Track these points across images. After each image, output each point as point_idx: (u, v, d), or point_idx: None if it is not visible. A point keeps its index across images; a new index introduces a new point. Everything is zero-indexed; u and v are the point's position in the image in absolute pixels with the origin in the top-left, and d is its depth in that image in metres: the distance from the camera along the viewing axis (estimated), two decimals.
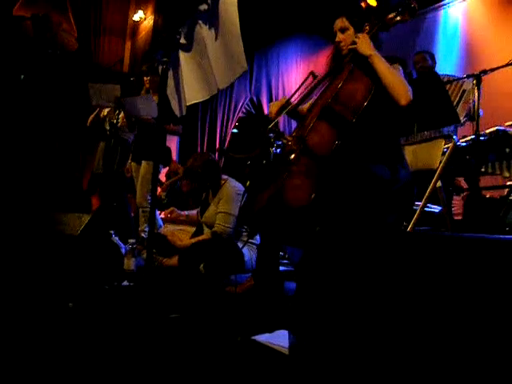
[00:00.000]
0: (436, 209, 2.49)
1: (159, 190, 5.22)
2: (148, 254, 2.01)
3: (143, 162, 3.88)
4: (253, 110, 6.92)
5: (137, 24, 7.58)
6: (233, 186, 3.15)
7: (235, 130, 6.83)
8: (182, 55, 1.98)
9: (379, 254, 1.27)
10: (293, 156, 1.86)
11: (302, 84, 2.17)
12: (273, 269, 2.19)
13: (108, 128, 4.28)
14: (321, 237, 1.34)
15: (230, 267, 2.79)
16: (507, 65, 2.74)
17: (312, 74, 2.15)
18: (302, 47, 7.02)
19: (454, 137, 2.37)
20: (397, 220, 1.95)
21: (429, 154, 2.44)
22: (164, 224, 3.59)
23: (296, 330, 1.36)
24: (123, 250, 2.89)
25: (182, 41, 1.94)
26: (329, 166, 1.83)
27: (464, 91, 3.21)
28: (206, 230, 3.18)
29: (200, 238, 3.09)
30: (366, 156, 1.92)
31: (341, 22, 2.11)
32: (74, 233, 2.95)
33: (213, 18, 1.84)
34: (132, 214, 4.87)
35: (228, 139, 6.66)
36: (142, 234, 3.81)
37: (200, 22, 1.89)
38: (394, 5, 2.13)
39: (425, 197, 2.13)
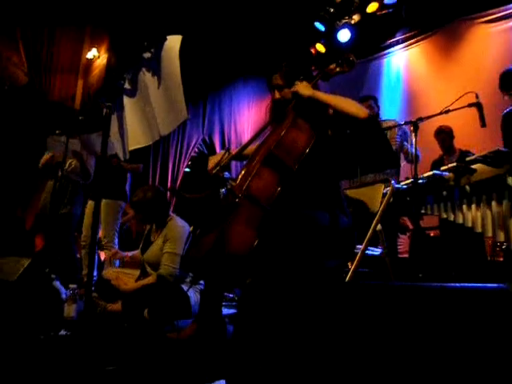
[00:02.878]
0: (377, 251, 2.56)
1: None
2: (87, 300, 1.92)
3: (103, 200, 3.81)
4: (205, 150, 6.96)
5: (90, 62, 7.55)
6: (180, 226, 3.10)
7: (187, 169, 6.82)
8: (127, 100, 1.99)
9: (309, 302, 1.28)
10: (236, 202, 1.87)
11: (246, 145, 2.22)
12: (215, 314, 2.16)
13: (60, 173, 4.19)
14: (253, 288, 1.33)
15: (175, 312, 2.72)
16: (441, 113, 2.92)
17: (227, 149, 2.21)
18: (254, 89, 7.21)
19: (393, 181, 2.47)
20: (339, 264, 1.98)
21: (369, 198, 2.53)
22: (107, 267, 3.48)
23: (232, 381, 1.34)
24: (64, 296, 2.76)
25: (126, 86, 1.96)
26: (271, 212, 1.85)
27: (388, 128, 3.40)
28: (149, 270, 3.10)
29: (145, 281, 2.99)
30: (306, 203, 1.96)
31: (275, 80, 2.20)
32: (9, 278, 2.79)
33: (156, 66, 1.88)
34: (78, 256, 4.70)
35: (180, 178, 6.63)
36: (86, 278, 3.66)
37: (143, 69, 1.92)
38: (334, 57, 2.25)
39: (365, 240, 2.19)
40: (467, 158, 2.51)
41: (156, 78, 1.89)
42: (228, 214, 1.85)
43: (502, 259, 4.48)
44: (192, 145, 6.79)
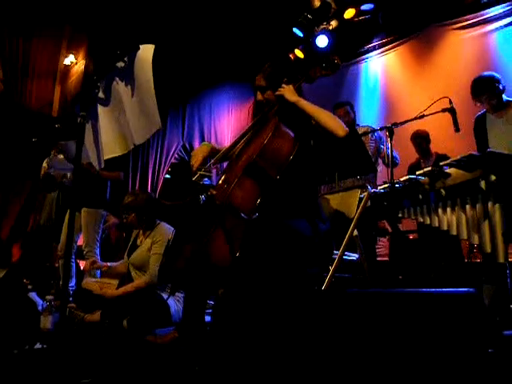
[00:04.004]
0: (354, 257, 2.59)
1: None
2: (62, 311, 1.88)
3: (83, 209, 3.76)
4: (186, 156, 6.93)
5: (67, 68, 7.46)
6: (168, 229, 3.15)
7: (168, 176, 6.78)
8: (101, 109, 1.98)
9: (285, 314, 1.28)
10: (217, 211, 1.85)
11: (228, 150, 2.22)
12: (198, 322, 2.14)
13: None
14: (226, 298, 1.33)
15: (155, 321, 2.70)
16: (415, 118, 2.97)
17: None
18: (234, 95, 7.22)
19: (369, 187, 2.50)
20: (319, 271, 1.99)
21: (346, 204, 2.55)
22: (87, 276, 3.43)
23: None
24: (40, 308, 2.71)
25: (101, 95, 1.95)
26: (252, 222, 1.84)
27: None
28: (134, 274, 3.09)
29: (135, 284, 2.95)
30: (287, 212, 1.96)
31: (258, 81, 2.18)
32: None
33: (129, 75, 1.87)
34: (56, 265, 4.64)
35: (160, 185, 6.58)
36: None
37: (117, 78, 1.91)
38: (319, 59, 2.25)
39: (342, 246, 2.21)
40: (442, 163, 2.55)
41: (129, 87, 1.88)
42: (209, 224, 1.84)
43: (479, 261, 4.57)
44: (172, 151, 6.75)
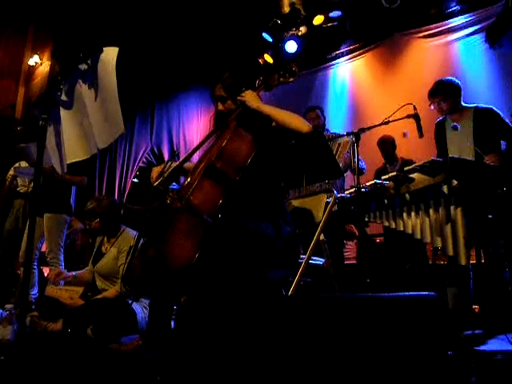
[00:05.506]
0: (320, 261, 2.61)
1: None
2: (21, 321, 1.81)
3: (46, 214, 3.64)
4: (154, 160, 6.84)
5: (32, 69, 7.25)
6: (134, 236, 3.05)
7: (136, 180, 6.66)
8: (63, 112, 1.92)
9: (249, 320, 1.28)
10: (176, 214, 1.85)
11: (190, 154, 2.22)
12: (164, 328, 2.11)
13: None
14: (188, 305, 1.32)
15: (120, 329, 2.64)
16: (381, 124, 3.03)
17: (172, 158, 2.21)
18: (203, 98, 7.18)
19: (335, 191, 2.52)
20: (282, 275, 1.99)
21: (313, 208, 2.57)
22: (50, 284, 3.32)
23: None
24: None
25: (63, 97, 1.89)
26: (213, 224, 1.84)
27: (339, 145, 3.50)
28: (100, 282, 3.02)
29: (107, 293, 2.87)
30: (249, 213, 1.96)
31: (218, 91, 2.21)
32: None
33: (92, 78, 1.83)
34: (18, 272, 4.49)
35: (127, 189, 6.46)
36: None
37: (80, 81, 1.86)
38: (276, 67, 2.28)
39: (309, 250, 2.22)
40: (406, 168, 2.60)
41: (92, 90, 1.83)
42: (168, 226, 1.82)
43: (443, 263, 4.69)
44: (140, 155, 6.64)
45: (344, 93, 6.47)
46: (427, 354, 1.12)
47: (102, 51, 1.80)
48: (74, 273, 3.18)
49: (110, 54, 1.80)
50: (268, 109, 2.09)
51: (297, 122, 2.02)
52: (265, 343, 1.41)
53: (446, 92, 3.34)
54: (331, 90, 6.60)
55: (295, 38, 6.47)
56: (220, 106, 2.21)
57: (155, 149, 6.83)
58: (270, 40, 6.63)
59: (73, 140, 1.92)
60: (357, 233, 4.71)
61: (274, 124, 2.09)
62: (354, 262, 5.28)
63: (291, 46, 6.44)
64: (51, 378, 1.85)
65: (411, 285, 4.34)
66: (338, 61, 6.59)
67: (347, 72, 6.51)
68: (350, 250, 5.37)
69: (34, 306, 3.42)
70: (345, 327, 1.24)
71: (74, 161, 1.96)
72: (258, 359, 1.39)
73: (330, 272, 2.51)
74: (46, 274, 4.48)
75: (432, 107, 3.41)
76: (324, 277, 2.56)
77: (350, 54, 6.48)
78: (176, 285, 1.74)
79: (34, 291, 3.66)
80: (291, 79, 2.25)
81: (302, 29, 6.50)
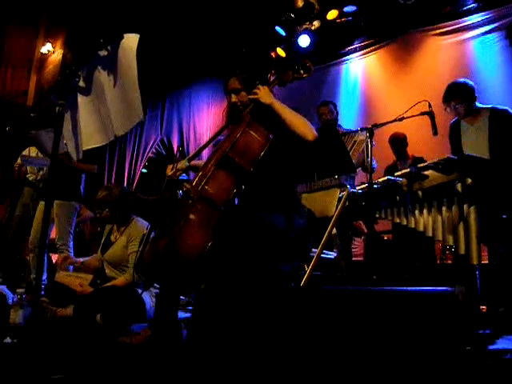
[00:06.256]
0: (331, 255, 2.60)
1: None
2: (34, 305, 1.83)
3: (56, 201, 3.65)
4: (163, 151, 6.84)
5: (44, 57, 7.28)
6: (144, 225, 3.09)
7: (144, 170, 6.68)
8: (80, 99, 1.92)
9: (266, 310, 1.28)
10: (190, 203, 1.86)
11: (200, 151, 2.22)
12: (171, 318, 2.12)
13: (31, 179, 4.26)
14: (206, 293, 1.32)
15: (130, 316, 2.65)
16: (395, 120, 3.01)
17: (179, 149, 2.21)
18: (214, 91, 7.17)
19: (348, 186, 2.51)
20: (294, 268, 1.99)
21: (324, 202, 2.56)
22: (59, 270, 3.34)
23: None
24: (10, 301, 2.63)
25: (81, 84, 1.89)
26: (225, 214, 1.84)
27: (355, 142, 3.48)
28: (109, 270, 3.03)
29: (117, 281, 2.88)
30: (262, 205, 1.97)
31: (232, 84, 2.21)
32: None
33: (112, 65, 1.82)
34: (27, 258, 4.53)
35: (136, 179, 6.48)
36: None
37: (99, 67, 1.86)
38: (291, 63, 2.27)
39: (321, 244, 2.22)
40: (419, 165, 2.59)
41: (112, 77, 1.83)
42: (182, 215, 1.83)
43: (450, 262, 4.67)
44: (150, 145, 6.65)
45: (356, 89, 6.43)
46: (445, 348, 1.12)
47: (122, 37, 1.80)
48: (81, 259, 3.20)
49: (131, 41, 1.80)
50: (279, 107, 2.07)
51: (303, 129, 2.01)
52: (276, 335, 1.41)
53: (461, 95, 3.31)
54: (343, 85, 6.56)
55: (308, 32, 6.43)
56: (233, 98, 2.20)
57: (165, 140, 6.84)
58: (283, 34, 6.59)
59: (90, 126, 1.93)
60: (365, 229, 4.70)
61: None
62: (361, 258, 5.26)
63: (304, 41, 6.40)
64: (61, 362, 1.86)
65: (418, 283, 4.32)
66: (350, 56, 6.55)
67: (360, 68, 6.47)
68: (357, 246, 5.36)
69: (43, 292, 3.45)
70: (361, 321, 1.24)
71: (90, 147, 1.97)
72: (268, 351, 1.39)
73: (340, 266, 2.51)
74: (54, 261, 4.51)
75: (447, 110, 3.38)
76: (334, 271, 2.56)
77: (363, 49, 6.43)
78: (187, 273, 1.74)
79: (43, 277, 3.68)
80: (305, 75, 2.25)
81: (316, 23, 6.46)
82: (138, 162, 6.54)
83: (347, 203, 2.57)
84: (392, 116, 3.12)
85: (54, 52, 7.19)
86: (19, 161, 4.28)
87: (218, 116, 7.36)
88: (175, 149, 6.77)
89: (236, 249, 1.77)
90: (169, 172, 2.17)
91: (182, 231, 1.78)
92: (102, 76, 1.86)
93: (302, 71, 2.21)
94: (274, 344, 1.41)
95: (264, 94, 2.10)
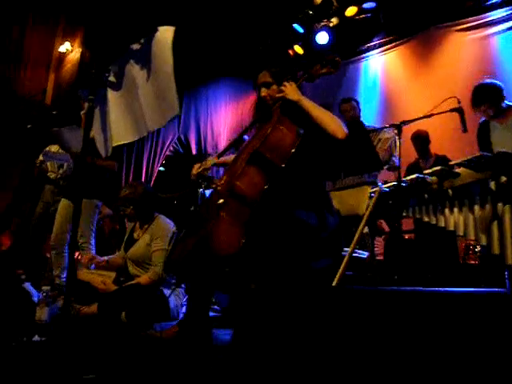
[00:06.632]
0: (364, 254, 2.54)
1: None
2: (65, 303, 1.81)
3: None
4: (180, 149, 6.82)
5: (62, 56, 7.31)
6: (167, 222, 3.08)
7: (162, 168, 6.67)
8: (110, 94, 1.89)
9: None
10: (221, 201, 1.82)
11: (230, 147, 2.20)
12: (202, 317, 2.09)
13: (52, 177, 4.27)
14: (258, 294, 1.28)
15: (154, 315, 2.63)
16: (424, 117, 2.94)
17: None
18: (231, 89, 7.14)
19: (379, 184, 2.46)
20: (327, 266, 1.94)
21: (354, 200, 2.51)
22: (81, 268, 3.32)
23: None
24: (35, 299, 2.62)
25: (111, 79, 1.87)
26: (258, 211, 1.80)
27: (379, 140, 3.41)
28: (132, 268, 3.02)
29: (141, 279, 2.86)
30: (293, 202, 1.92)
31: (263, 77, 2.17)
32: None
33: (145, 59, 1.79)
34: (47, 255, 4.55)
35: (154, 178, 6.48)
36: (57, 280, 3.52)
37: (132, 61, 1.82)
38: (319, 58, 2.23)
39: (353, 242, 2.16)
40: (451, 162, 2.52)
41: (145, 71, 1.79)
42: (213, 213, 1.79)
43: (473, 262, 4.57)
44: (167, 144, 6.64)
45: (375, 86, 6.35)
46: (499, 350, 1.06)
47: (156, 30, 1.76)
48: (106, 257, 3.18)
49: (167, 33, 1.77)
50: (307, 104, 2.03)
51: (333, 126, 1.96)
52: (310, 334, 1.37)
53: (490, 99, 3.25)
54: (362, 82, 6.49)
55: (327, 29, 6.36)
56: (263, 92, 2.17)
57: (182, 138, 6.82)
58: (301, 31, 6.54)
59: (120, 122, 1.89)
60: (386, 228, 4.62)
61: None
62: (381, 258, 5.19)
63: (322, 38, 6.34)
64: (91, 362, 1.83)
65: (441, 283, 4.23)
66: (369, 53, 6.47)
67: (379, 65, 6.38)
68: (378, 245, 5.28)
69: (64, 289, 3.44)
70: (412, 322, 1.19)
71: (120, 143, 1.94)
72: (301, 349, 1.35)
73: (373, 265, 2.45)
74: (79, 258, 4.51)
75: (476, 113, 3.31)
76: (365, 270, 2.50)
77: (382, 46, 6.35)
78: (219, 271, 1.71)
79: (64, 275, 3.67)
80: (333, 70, 2.21)
81: (334, 20, 6.39)
82: (156, 160, 6.53)
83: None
84: (412, 113, 3.05)
85: (72, 51, 7.22)
86: (41, 157, 4.30)
87: (234, 115, 7.34)
88: (193, 146, 6.76)
89: (268, 246, 1.73)
90: (195, 170, 2.14)
91: (215, 228, 1.74)
92: (134, 70, 1.83)
93: (330, 66, 2.16)
94: (308, 343, 1.37)
95: (291, 91, 2.06)
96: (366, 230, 2.39)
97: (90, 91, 1.73)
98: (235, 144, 2.18)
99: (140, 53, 1.80)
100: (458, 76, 5.34)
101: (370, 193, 2.55)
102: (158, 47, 1.77)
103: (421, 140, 4.57)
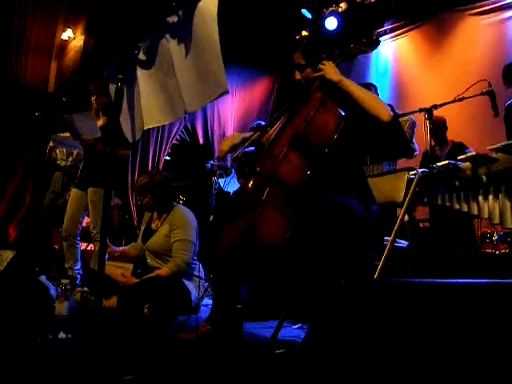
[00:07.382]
0: (403, 244, 2.44)
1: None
2: (96, 302, 1.69)
3: (90, 188, 3.49)
4: (187, 137, 6.68)
5: (65, 43, 7.13)
6: (186, 212, 2.97)
7: (168, 158, 6.53)
8: (140, 73, 1.76)
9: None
10: (263, 189, 1.70)
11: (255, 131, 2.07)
12: (231, 312, 1.98)
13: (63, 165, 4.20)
14: (346, 289, 1.17)
15: (177, 308, 2.53)
16: (454, 101, 2.83)
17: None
18: (239, 77, 6.99)
19: (418, 170, 2.35)
20: (373, 257, 1.84)
21: (392, 188, 2.39)
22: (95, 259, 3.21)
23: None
24: (52, 292, 2.51)
25: (141, 57, 1.73)
26: (302, 200, 1.69)
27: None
28: (150, 259, 2.91)
29: (162, 271, 2.75)
30: (336, 190, 1.81)
31: (297, 59, 2.04)
32: None
33: (184, 32, 1.65)
34: (56, 247, 4.45)
35: (161, 167, 6.34)
36: (70, 272, 3.41)
37: (167, 35, 1.68)
38: (358, 35, 2.11)
39: (394, 231, 2.06)
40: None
41: (184, 45, 1.65)
42: (256, 201, 1.67)
43: (490, 251, 4.48)
44: (174, 132, 6.49)
45: (387, 72, 6.22)
46: None
47: (199, 0, 1.62)
48: (120, 248, 3.07)
49: (210, 2, 1.62)
50: (349, 85, 1.91)
51: (379, 108, 1.84)
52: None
53: None
54: (373, 68, 6.36)
55: (335, 14, 6.21)
56: (297, 75, 2.04)
57: (189, 126, 6.68)
58: (309, 17, 6.39)
59: (152, 103, 1.76)
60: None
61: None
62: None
63: (331, 23, 6.19)
64: (127, 361, 1.73)
65: (459, 273, 4.14)
66: (381, 39, 6.29)
67: (390, 50, 6.25)
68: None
69: (78, 282, 3.34)
70: (443, 316, 1.09)
71: (153, 126, 1.81)
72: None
73: (412, 255, 2.35)
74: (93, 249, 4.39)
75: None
76: (403, 259, 2.41)
77: (393, 31, 6.20)
78: (265, 261, 1.60)
79: (77, 266, 3.56)
80: (371, 48, 2.11)
81: (343, 5, 6.24)
82: (162, 149, 6.39)
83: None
84: (425, 99, 2.94)
85: (74, 38, 7.04)
86: (51, 143, 4.18)
87: (242, 102, 7.19)
88: (200, 134, 6.61)
89: (316, 237, 1.62)
90: (224, 148, 2.00)
91: (260, 219, 1.62)
92: (171, 46, 1.68)
93: (369, 44, 2.05)
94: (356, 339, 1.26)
95: (330, 70, 1.94)
96: (407, 217, 2.28)
97: (117, 70, 1.59)
98: (270, 126, 2.04)
99: (178, 26, 1.66)
100: (473, 61, 5.22)
101: (408, 179, 2.43)
102: (201, 17, 1.63)
103: (438, 126, 4.45)
